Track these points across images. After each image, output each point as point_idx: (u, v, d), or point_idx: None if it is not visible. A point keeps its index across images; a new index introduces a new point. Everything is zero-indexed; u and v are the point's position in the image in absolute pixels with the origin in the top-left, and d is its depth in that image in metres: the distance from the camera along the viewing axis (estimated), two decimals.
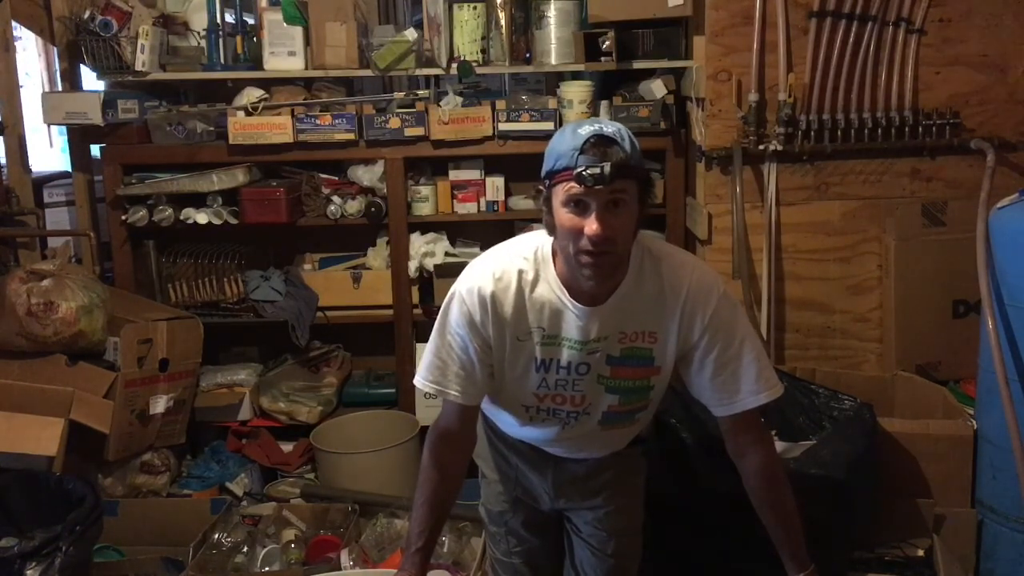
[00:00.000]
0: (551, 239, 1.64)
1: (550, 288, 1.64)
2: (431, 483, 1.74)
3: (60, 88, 3.29)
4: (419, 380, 1.73)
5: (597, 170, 1.47)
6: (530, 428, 1.80)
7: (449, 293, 1.70)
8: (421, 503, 1.74)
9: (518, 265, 1.65)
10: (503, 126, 3.07)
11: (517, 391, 1.73)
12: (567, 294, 1.63)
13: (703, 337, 1.65)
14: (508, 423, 1.84)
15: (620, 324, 1.65)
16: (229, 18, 3.17)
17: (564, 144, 1.53)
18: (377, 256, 3.31)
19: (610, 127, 1.53)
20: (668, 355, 1.69)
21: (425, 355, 1.73)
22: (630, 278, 1.63)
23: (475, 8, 3.03)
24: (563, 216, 1.53)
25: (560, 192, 1.53)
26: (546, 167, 1.57)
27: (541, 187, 1.59)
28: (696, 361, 1.68)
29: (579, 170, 1.48)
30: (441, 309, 1.72)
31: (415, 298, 3.26)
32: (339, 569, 2.44)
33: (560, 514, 1.95)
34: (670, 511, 2.30)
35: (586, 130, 1.51)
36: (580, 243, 1.52)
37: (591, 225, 1.49)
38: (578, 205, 1.51)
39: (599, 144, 1.49)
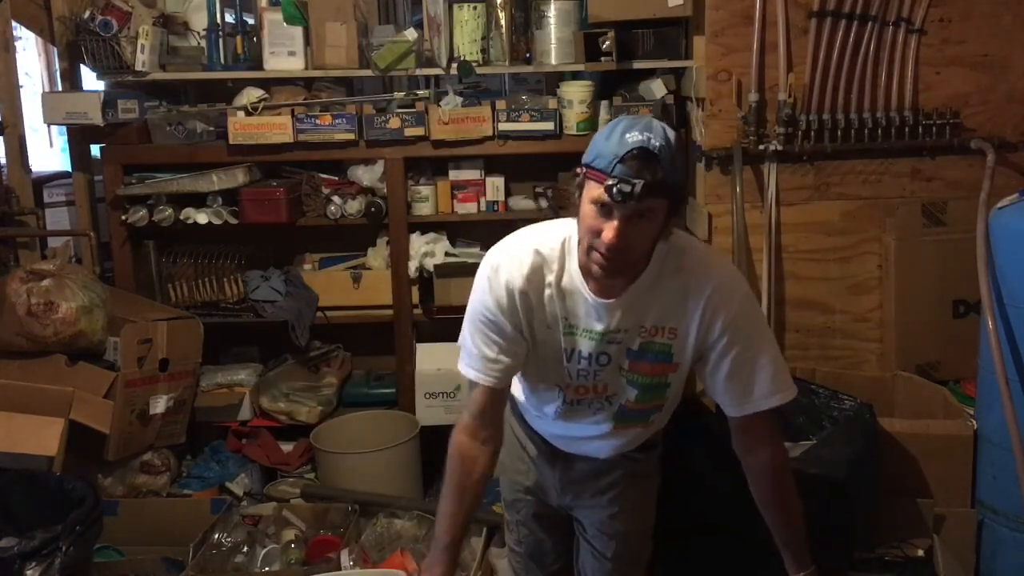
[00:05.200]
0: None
1: (572, 280, 1.65)
2: (457, 475, 1.72)
3: (60, 88, 3.29)
4: (462, 367, 1.73)
5: (628, 188, 1.45)
6: (559, 419, 1.80)
7: (479, 278, 1.70)
8: (448, 497, 1.73)
9: (546, 255, 1.66)
10: (503, 126, 3.07)
11: (548, 378, 1.74)
12: (586, 286, 1.63)
13: (723, 337, 1.64)
14: (545, 411, 1.82)
15: (640, 318, 1.65)
16: (229, 18, 3.17)
17: (609, 145, 1.49)
18: (377, 256, 3.31)
19: (659, 139, 1.48)
20: (687, 352, 1.68)
21: (463, 341, 1.73)
22: (649, 275, 1.62)
23: (475, 8, 3.03)
24: (587, 211, 1.54)
25: (591, 188, 1.52)
26: (586, 157, 1.55)
27: (579, 170, 1.57)
28: (713, 360, 1.67)
29: (610, 182, 1.47)
30: (473, 296, 1.71)
31: (415, 298, 3.26)
32: (339, 569, 2.44)
33: (569, 514, 1.96)
34: (669, 511, 2.30)
35: (634, 139, 1.47)
36: (595, 242, 1.53)
37: (608, 232, 1.50)
38: (603, 208, 1.50)
39: (640, 158, 1.46)
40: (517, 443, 1.95)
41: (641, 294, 1.63)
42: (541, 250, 1.66)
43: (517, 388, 1.86)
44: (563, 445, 1.86)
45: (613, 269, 1.56)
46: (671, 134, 1.51)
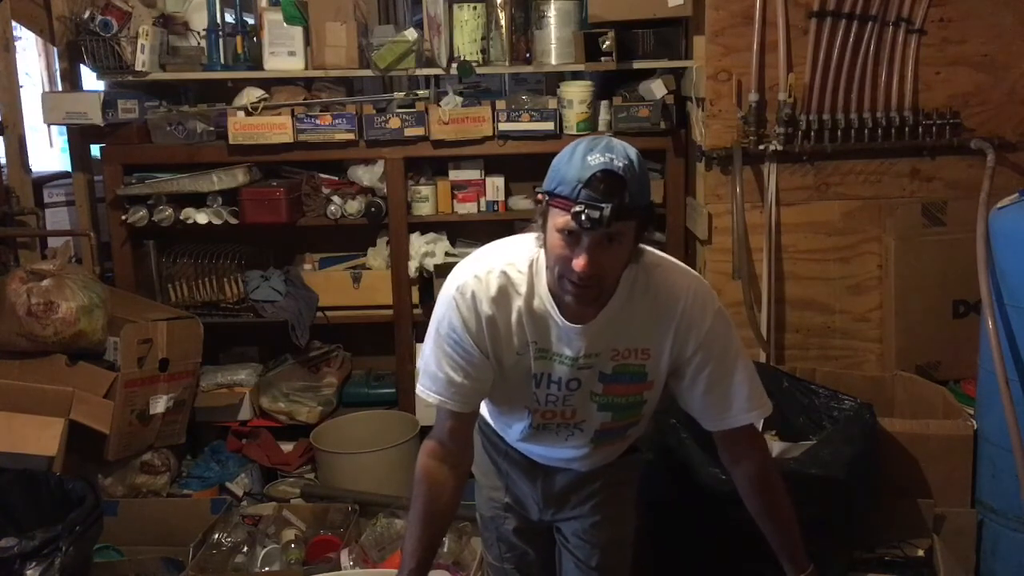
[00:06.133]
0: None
1: (542, 303, 1.59)
2: (424, 499, 1.67)
3: (60, 88, 3.29)
4: (422, 391, 1.67)
5: (596, 213, 1.39)
6: (528, 443, 1.78)
7: (443, 298, 1.63)
8: (414, 521, 1.68)
9: (513, 278, 1.60)
10: (503, 126, 3.07)
11: (515, 402, 1.71)
12: (557, 311, 1.58)
13: (697, 353, 1.62)
14: (510, 433, 1.81)
15: (612, 341, 1.61)
16: (229, 18, 3.17)
17: (571, 170, 1.44)
18: (377, 256, 3.32)
19: (621, 160, 1.43)
20: (661, 370, 1.66)
21: (425, 362, 1.67)
22: (619, 298, 1.58)
23: (475, 8, 3.03)
24: (554, 240, 1.48)
25: (556, 216, 1.46)
26: (547, 184, 1.49)
27: (541, 196, 1.51)
28: (688, 376, 1.65)
29: (577, 209, 1.41)
30: (436, 315, 1.65)
31: (415, 298, 3.26)
32: (339, 569, 2.44)
33: (551, 525, 1.93)
34: (670, 511, 2.30)
35: (596, 161, 1.42)
36: (566, 271, 1.49)
37: (579, 261, 1.45)
38: (571, 235, 1.45)
39: (605, 181, 1.41)
40: (488, 460, 1.90)
41: (612, 317, 1.58)
42: (509, 272, 1.60)
43: (483, 408, 1.82)
44: (544, 461, 1.84)
45: (587, 297, 1.52)
46: (633, 153, 1.46)
